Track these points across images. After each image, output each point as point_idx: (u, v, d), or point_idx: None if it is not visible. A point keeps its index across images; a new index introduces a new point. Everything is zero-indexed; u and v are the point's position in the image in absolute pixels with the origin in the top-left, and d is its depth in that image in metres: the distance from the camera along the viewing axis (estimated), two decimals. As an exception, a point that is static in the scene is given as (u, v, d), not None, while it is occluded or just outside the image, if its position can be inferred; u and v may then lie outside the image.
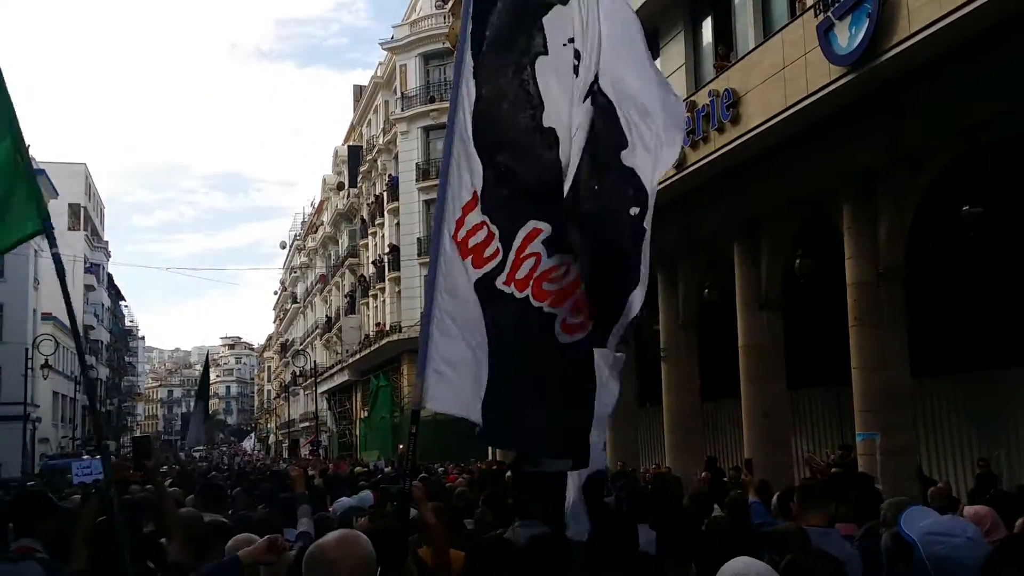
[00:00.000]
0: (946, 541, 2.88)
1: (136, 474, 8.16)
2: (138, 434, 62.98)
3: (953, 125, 11.38)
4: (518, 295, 4.36)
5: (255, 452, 50.21)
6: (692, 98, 15.23)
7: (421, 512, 4.97)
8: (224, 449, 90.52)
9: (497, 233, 4.34)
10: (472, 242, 4.31)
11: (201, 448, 71.28)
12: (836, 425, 17.65)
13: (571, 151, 4.54)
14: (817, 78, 12.07)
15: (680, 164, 15.26)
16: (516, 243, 4.37)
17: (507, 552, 4.09)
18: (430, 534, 5.03)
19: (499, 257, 4.33)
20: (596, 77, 4.65)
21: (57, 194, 51.15)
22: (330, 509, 8.60)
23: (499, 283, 4.33)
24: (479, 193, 4.32)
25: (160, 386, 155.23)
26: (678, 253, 18.15)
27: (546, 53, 4.47)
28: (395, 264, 41.74)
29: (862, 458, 12.39)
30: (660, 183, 15.47)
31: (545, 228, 4.42)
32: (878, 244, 12.77)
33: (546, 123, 4.44)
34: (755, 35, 14.81)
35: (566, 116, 4.51)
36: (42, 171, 48.03)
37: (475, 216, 4.31)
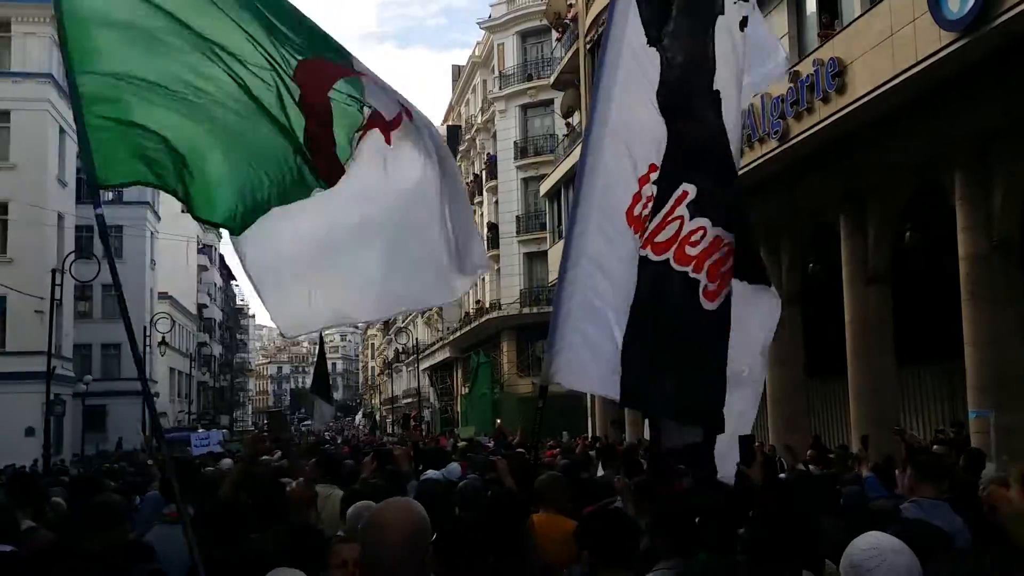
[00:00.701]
0: None
1: (270, 445, 9.02)
2: (271, 408, 66.28)
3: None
4: (655, 258, 4.26)
5: (361, 427, 51.58)
6: (796, 68, 14.86)
7: (502, 484, 5.13)
8: (332, 424, 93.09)
9: (654, 199, 4.30)
10: (637, 212, 4.29)
11: (308, 422, 73.52)
12: (947, 402, 17.11)
13: (734, 113, 4.46)
14: (927, 44, 11.63)
15: (783, 136, 14.95)
16: (667, 206, 4.29)
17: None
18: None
19: (647, 223, 4.29)
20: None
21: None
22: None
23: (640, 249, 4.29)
24: (659, 164, 4.27)
25: (270, 363, 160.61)
26: (781, 226, 17.79)
27: (723, 12, 4.40)
28: (494, 242, 42.06)
29: (975, 436, 11.98)
30: (762, 155, 15.22)
31: (691, 191, 4.31)
32: (992, 215, 12.28)
33: (716, 85, 4.37)
34: (861, 2, 14.33)
35: (732, 77, 4.43)
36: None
37: (648, 188, 4.29)
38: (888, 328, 15.22)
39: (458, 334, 47.73)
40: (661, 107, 4.25)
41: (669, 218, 4.28)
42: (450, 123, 56.25)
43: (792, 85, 14.45)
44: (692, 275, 4.28)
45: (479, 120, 46.69)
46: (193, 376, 61.18)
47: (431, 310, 58.89)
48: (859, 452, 11.10)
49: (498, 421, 29.48)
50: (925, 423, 18.13)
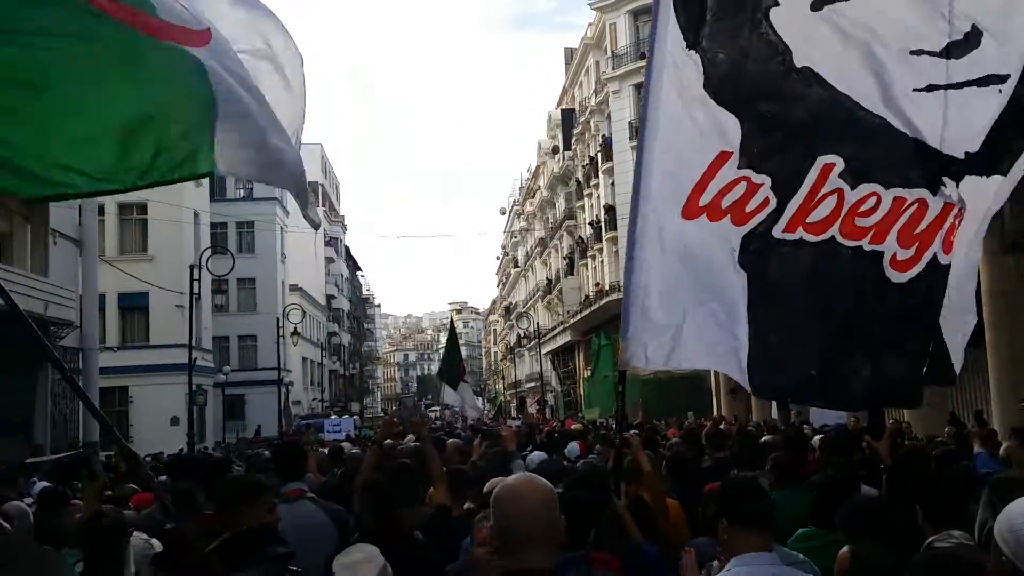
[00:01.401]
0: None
1: (402, 429, 9.99)
2: (407, 395, 69.02)
3: None
4: (813, 239, 4.21)
5: (485, 412, 52.39)
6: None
7: (636, 459, 5.17)
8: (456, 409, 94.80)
9: (767, 181, 4.26)
10: (726, 202, 4.28)
11: (435, 408, 75.11)
12: None
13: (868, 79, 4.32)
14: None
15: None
16: (807, 184, 4.24)
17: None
18: (647, 480, 5.18)
19: (771, 206, 4.25)
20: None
21: (298, 174, 55.19)
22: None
23: (776, 232, 4.24)
24: (735, 150, 4.28)
25: (396, 350, 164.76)
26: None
27: (777, 4, 4.38)
28: (612, 224, 41.80)
29: None
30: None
31: (838, 161, 4.24)
32: None
33: (799, 64, 4.34)
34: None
35: (827, 50, 4.36)
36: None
37: (728, 173, 4.28)
38: (1031, 298, 14.39)
39: (578, 317, 47.74)
40: (719, 99, 4.31)
41: (818, 194, 4.21)
42: (564, 107, 56.15)
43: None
44: (869, 247, 4.20)
45: (593, 102, 46.41)
46: (324, 365, 63.24)
47: (550, 294, 59.15)
48: (974, 428, 10.71)
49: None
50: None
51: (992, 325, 14.62)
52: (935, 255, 4.19)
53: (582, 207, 50.86)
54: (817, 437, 8.84)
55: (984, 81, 4.20)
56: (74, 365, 21.85)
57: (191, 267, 29.07)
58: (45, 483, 9.20)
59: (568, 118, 53.03)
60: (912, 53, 4.25)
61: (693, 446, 8.78)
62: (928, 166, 4.23)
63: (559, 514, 2.61)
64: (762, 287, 4.20)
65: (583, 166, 49.78)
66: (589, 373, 47.75)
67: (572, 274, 52.17)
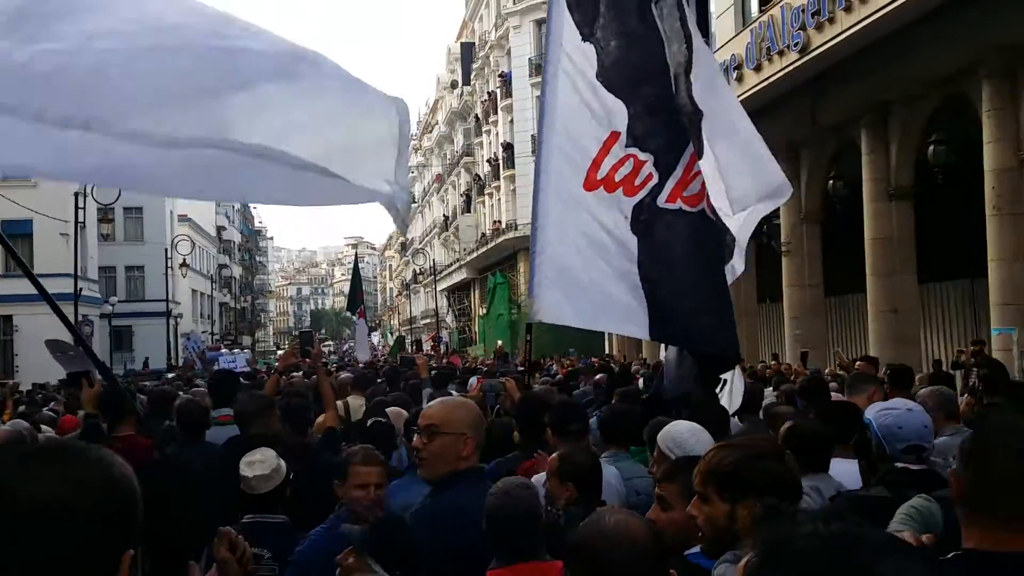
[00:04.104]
0: (889, 412, 3.54)
1: (303, 360, 10.88)
2: (305, 328, 68.61)
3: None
4: (690, 209, 4.81)
5: (380, 348, 52.14)
6: (819, -24, 14.40)
7: (507, 395, 6.03)
8: (351, 344, 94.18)
9: (651, 159, 4.84)
10: (619, 175, 4.86)
11: (329, 343, 74.45)
12: (970, 320, 17.01)
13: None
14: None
15: (804, 48, 14.55)
16: (683, 162, 4.83)
17: None
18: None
19: (654, 180, 4.83)
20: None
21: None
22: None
23: (661, 201, 4.83)
24: (622, 131, 4.87)
25: (289, 284, 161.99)
26: (801, 142, 17.49)
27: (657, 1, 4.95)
28: (510, 162, 41.71)
29: (997, 353, 11.93)
30: (782, 69, 14.85)
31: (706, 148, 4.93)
32: (1021, 127, 11.99)
33: (680, 58, 4.93)
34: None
35: (694, 49, 4.99)
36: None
37: (618, 151, 4.87)
38: (910, 245, 15.07)
39: (475, 255, 47.76)
40: (609, 87, 4.91)
41: (691, 173, 4.83)
42: (463, 40, 55.25)
43: (816, -6, 14.03)
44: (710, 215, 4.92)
45: (493, 37, 45.78)
46: (214, 298, 61.76)
47: (446, 231, 58.92)
48: (797, 367, 13.14)
49: (499, 343, 30.00)
50: (947, 341, 18.08)
51: (873, 272, 15.27)
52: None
53: (480, 144, 50.50)
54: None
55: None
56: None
57: (76, 194, 27.85)
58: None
59: (467, 52, 52.23)
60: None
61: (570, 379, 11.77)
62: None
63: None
64: (651, 250, 4.78)
65: (482, 102, 49.28)
66: (484, 311, 47.98)
67: (469, 211, 51.98)
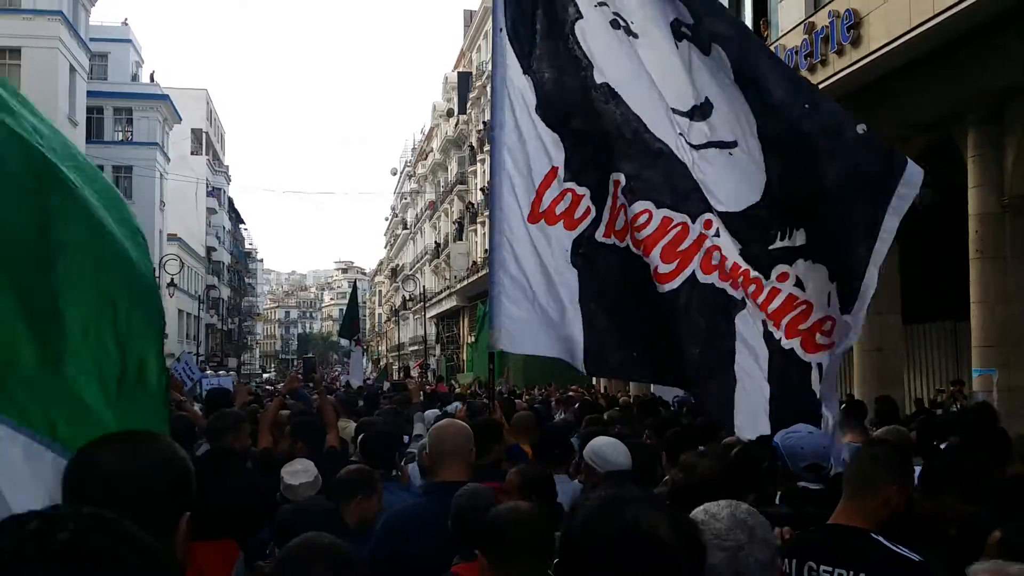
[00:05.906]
0: (792, 435, 3.99)
1: (306, 384, 11.67)
2: (308, 355, 69.62)
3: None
4: (619, 244, 4.90)
5: (368, 373, 51.93)
6: (811, 19, 14.63)
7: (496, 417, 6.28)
8: (339, 369, 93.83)
9: (588, 192, 4.94)
10: (559, 209, 4.96)
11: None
12: (951, 361, 17.12)
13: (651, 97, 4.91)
14: (945, -4, 11.43)
15: (795, 89, 14.73)
16: (609, 196, 4.91)
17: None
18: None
19: (592, 214, 4.94)
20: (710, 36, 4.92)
21: (180, 119, 53.02)
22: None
23: (598, 236, 4.92)
24: (560, 165, 4.94)
25: (278, 307, 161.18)
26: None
27: (581, 16, 4.93)
28: (503, 191, 41.87)
29: (978, 395, 12.03)
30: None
31: (621, 178, 4.84)
32: (1005, 173, 12.16)
33: (598, 80, 4.89)
34: (880, -49, 14.05)
35: (623, 68, 4.94)
36: (166, 96, 49.92)
37: (556, 187, 4.95)
38: (895, 284, 15.18)
39: (465, 283, 47.81)
40: (546, 121, 4.95)
41: (616, 207, 4.88)
42: (460, 70, 55.68)
43: (806, 37, 14.24)
44: (645, 259, 4.81)
45: (489, 67, 46.10)
46: (201, 318, 61.47)
47: (437, 258, 58.99)
48: None
49: (507, 370, 30.05)
50: (929, 380, 18.18)
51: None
52: (693, 273, 4.80)
53: (474, 172, 50.73)
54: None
55: (719, 144, 4.88)
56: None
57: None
58: None
59: (464, 81, 52.62)
60: (672, 110, 4.92)
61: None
62: (693, 196, 4.85)
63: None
64: (590, 282, 4.89)
65: (477, 131, 49.57)
66: (473, 339, 47.93)
67: (461, 239, 52.10)
